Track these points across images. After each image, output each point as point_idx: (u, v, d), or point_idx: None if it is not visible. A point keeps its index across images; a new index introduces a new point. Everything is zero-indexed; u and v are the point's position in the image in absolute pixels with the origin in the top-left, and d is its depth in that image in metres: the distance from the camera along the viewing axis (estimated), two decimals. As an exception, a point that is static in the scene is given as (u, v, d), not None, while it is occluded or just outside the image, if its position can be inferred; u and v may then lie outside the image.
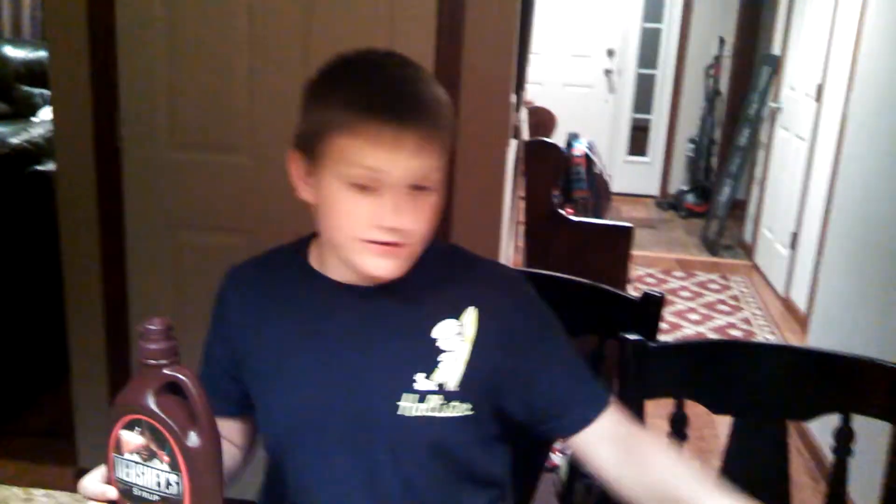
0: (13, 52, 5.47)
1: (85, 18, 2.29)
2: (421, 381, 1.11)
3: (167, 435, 0.89)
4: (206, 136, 2.37)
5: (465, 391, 1.12)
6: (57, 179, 2.44)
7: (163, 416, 0.89)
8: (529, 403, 1.16)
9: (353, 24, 2.24)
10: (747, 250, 5.68)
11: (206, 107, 2.34)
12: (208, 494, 0.91)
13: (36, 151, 2.75)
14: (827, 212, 4.05)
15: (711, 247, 5.76)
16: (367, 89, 1.05)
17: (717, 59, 6.51)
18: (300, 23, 2.26)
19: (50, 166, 2.62)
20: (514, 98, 2.46)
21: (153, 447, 0.90)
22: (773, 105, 5.38)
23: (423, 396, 1.11)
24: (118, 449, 0.92)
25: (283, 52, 2.27)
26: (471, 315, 1.14)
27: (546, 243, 3.52)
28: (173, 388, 0.91)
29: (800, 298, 4.45)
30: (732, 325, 4.46)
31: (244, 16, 2.26)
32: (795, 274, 4.61)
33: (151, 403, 0.90)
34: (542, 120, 4.19)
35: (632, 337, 1.24)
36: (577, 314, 1.49)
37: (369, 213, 1.05)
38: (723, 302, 4.80)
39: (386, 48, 1.14)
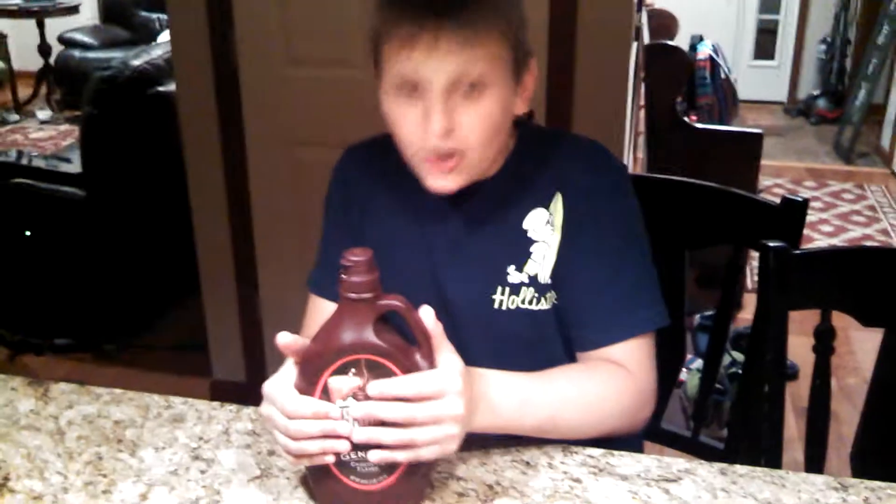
0: (131, -22, 5.61)
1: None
2: (514, 274, 1.10)
3: (394, 367, 0.84)
4: (322, 51, 2.35)
5: (558, 282, 1.10)
6: (178, 100, 2.48)
7: (389, 347, 0.84)
8: (569, 298, 1.10)
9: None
10: (885, 157, 5.32)
11: (319, 21, 2.31)
12: None
13: (157, 73, 2.80)
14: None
15: (845, 154, 5.42)
16: None
17: (854, -50, 6.01)
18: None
19: (171, 87, 2.67)
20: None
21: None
22: (917, -2, 4.95)
23: (516, 289, 1.10)
24: (326, 398, 0.85)
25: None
26: (558, 202, 1.10)
27: (669, 152, 3.38)
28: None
29: (944, 207, 4.16)
30: (869, 237, 4.21)
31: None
32: (940, 181, 4.30)
33: (373, 338, 0.84)
34: (664, 23, 3.98)
35: (774, 244, 1.15)
36: (712, 222, 1.42)
37: (417, 122, 1.00)
38: (858, 212, 4.53)
39: None
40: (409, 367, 0.84)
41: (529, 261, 1.10)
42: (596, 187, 1.10)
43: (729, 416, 2.39)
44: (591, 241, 1.09)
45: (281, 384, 0.88)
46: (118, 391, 1.15)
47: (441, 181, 1.05)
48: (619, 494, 0.93)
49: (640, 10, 2.83)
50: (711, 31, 5.25)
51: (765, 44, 6.73)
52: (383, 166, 1.17)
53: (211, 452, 1.01)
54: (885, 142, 5.38)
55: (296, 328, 2.89)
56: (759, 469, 0.98)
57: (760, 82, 6.58)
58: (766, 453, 1.20)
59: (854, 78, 5.79)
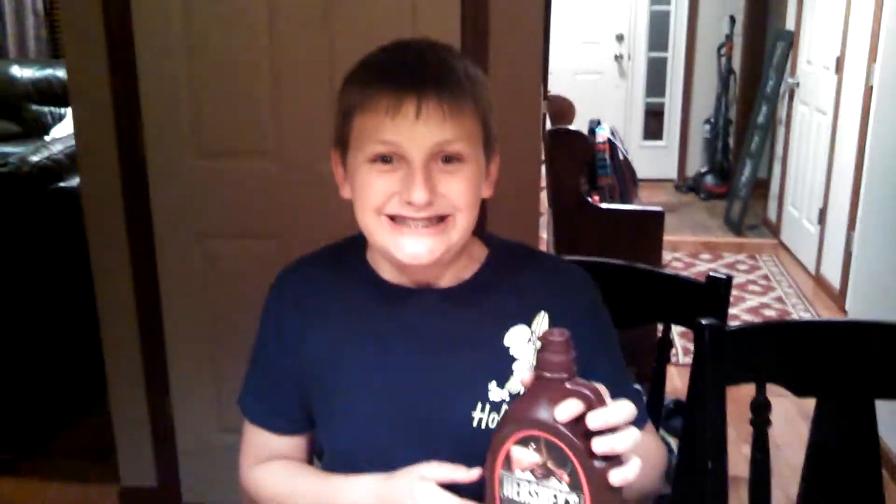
0: (20, 72, 5.46)
1: (102, 30, 2.24)
2: (495, 391, 1.06)
3: (570, 454, 0.82)
4: (231, 143, 2.33)
5: None
6: (82, 195, 2.40)
7: (567, 433, 0.82)
8: None
9: (375, 18, 2.19)
10: (773, 229, 5.60)
11: (229, 112, 2.29)
12: None
13: (58, 168, 2.71)
14: (856, 184, 3.99)
15: (735, 228, 5.68)
16: (385, 64, 1.01)
17: (729, 37, 6.42)
18: (321, 22, 2.21)
19: (74, 182, 2.58)
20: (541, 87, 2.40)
21: (551, 465, 0.84)
22: (790, 81, 5.30)
23: (497, 406, 1.06)
24: (508, 466, 0.86)
25: (306, 53, 2.23)
26: (542, 321, 1.09)
27: (575, 233, 3.46)
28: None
29: (832, 274, 4.38)
30: (766, 306, 4.38)
31: (264, 18, 2.21)
32: (825, 250, 4.54)
33: (554, 420, 0.83)
34: (562, 108, 4.12)
35: (708, 321, 1.18)
36: (639, 302, 1.45)
37: (393, 188, 1.00)
38: (753, 282, 4.72)
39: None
40: (585, 459, 0.82)
41: (512, 379, 1.07)
42: (591, 308, 1.13)
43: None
44: (606, 352, 1.11)
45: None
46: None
47: (416, 243, 1.01)
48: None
49: (544, 98, 2.94)
50: (601, 115, 5.48)
51: (653, 125, 7.06)
52: (327, 286, 1.14)
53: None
54: (772, 214, 5.67)
55: (207, 428, 2.75)
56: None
57: (651, 162, 6.87)
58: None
59: (738, 155, 6.11)
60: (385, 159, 1.00)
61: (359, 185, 1.03)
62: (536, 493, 0.85)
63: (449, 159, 1.00)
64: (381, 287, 1.11)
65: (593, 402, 0.82)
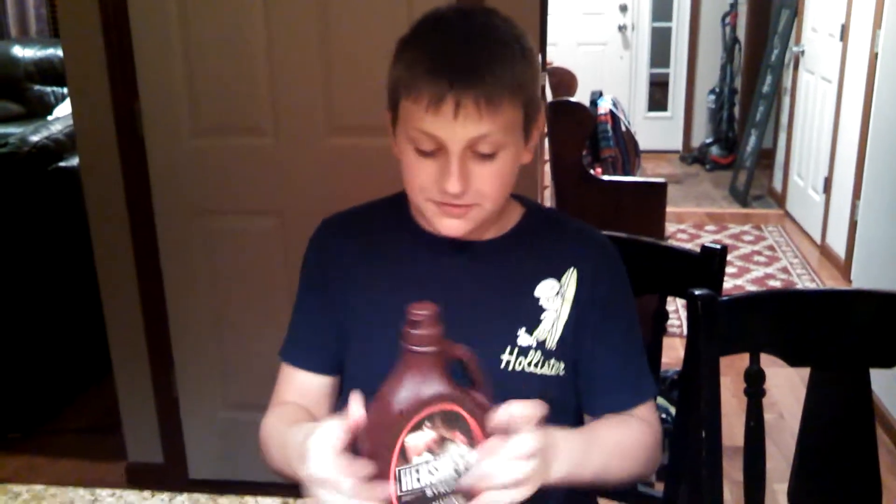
0: (22, 52, 5.44)
1: (97, 10, 2.24)
2: (523, 337, 1.13)
3: (462, 410, 0.86)
4: (228, 120, 2.32)
5: (561, 351, 1.14)
6: (82, 174, 2.40)
7: (457, 393, 0.86)
8: (581, 372, 1.17)
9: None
10: (778, 199, 5.57)
11: (225, 90, 2.29)
12: None
13: (58, 148, 2.71)
14: (861, 153, 3.96)
15: (741, 198, 5.66)
16: (431, 50, 1.03)
17: (734, 6, 6.36)
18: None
19: (73, 162, 2.58)
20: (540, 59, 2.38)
21: (445, 433, 0.86)
22: (795, 49, 5.25)
23: (524, 351, 1.13)
24: (403, 459, 0.85)
25: (300, 27, 2.22)
26: (571, 276, 1.15)
27: (578, 205, 3.45)
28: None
29: (837, 243, 4.36)
30: (770, 276, 4.38)
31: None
32: (831, 219, 4.52)
33: (448, 388, 0.86)
34: (563, 80, 4.10)
35: (701, 292, 1.18)
36: (637, 273, 1.44)
37: (432, 175, 1.06)
38: (758, 253, 4.71)
39: (487, 6, 1.13)
40: (475, 407, 0.86)
41: (539, 327, 1.13)
42: (614, 273, 1.19)
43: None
44: (619, 320, 1.18)
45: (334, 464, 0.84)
46: (38, 487, 1.07)
47: (452, 222, 1.09)
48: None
49: (543, 69, 2.91)
50: (605, 86, 5.45)
51: (658, 96, 7.01)
52: (370, 234, 1.21)
53: (145, 547, 0.96)
54: (777, 184, 5.64)
55: (213, 404, 2.77)
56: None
57: (656, 133, 6.83)
58: (707, 497, 1.21)
59: (743, 125, 6.07)
60: (425, 150, 1.05)
61: (405, 166, 1.09)
62: (436, 469, 0.86)
63: (484, 155, 1.04)
64: (421, 236, 1.18)
65: (469, 358, 0.87)
